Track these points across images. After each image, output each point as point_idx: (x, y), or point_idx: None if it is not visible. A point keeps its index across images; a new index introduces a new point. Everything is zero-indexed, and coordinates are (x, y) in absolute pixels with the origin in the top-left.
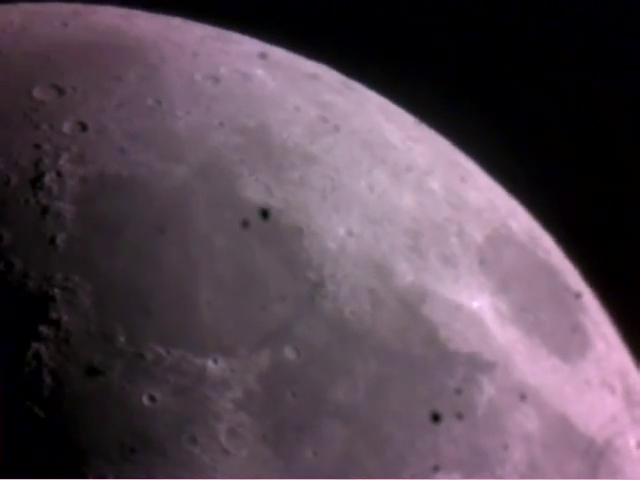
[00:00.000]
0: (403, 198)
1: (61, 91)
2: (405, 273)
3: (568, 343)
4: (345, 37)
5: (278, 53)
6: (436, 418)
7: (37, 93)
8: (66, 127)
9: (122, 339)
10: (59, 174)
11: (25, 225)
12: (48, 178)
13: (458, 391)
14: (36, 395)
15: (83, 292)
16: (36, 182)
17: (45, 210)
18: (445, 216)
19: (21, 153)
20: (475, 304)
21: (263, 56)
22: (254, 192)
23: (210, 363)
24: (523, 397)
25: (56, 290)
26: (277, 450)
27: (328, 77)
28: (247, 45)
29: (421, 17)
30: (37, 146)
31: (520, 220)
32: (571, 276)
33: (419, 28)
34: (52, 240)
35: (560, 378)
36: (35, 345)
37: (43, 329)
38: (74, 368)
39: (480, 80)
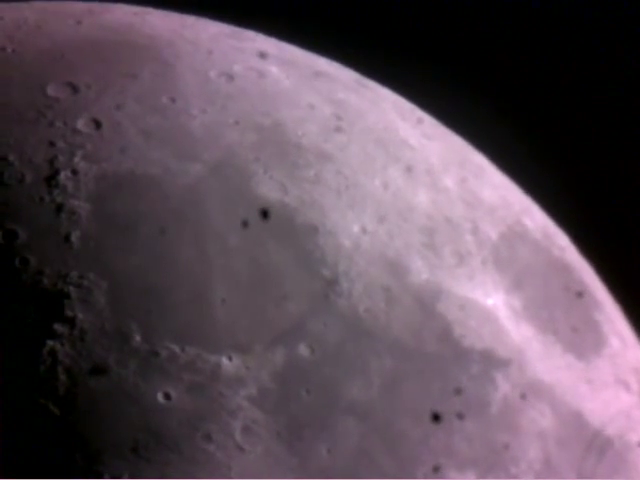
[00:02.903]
0: (417, 196)
1: (75, 88)
2: (419, 270)
3: (582, 340)
4: (359, 35)
5: (292, 51)
6: (450, 415)
7: (51, 90)
8: (80, 124)
9: (137, 337)
10: (74, 172)
11: (40, 223)
12: (63, 176)
13: (472, 388)
14: (51, 393)
15: (98, 290)
16: (51, 180)
17: (60, 208)
18: (459, 214)
19: (36, 151)
20: (489, 301)
21: (263, 55)
22: (269, 190)
23: (224, 360)
24: (537, 394)
25: (71, 288)
26: (291, 447)
27: (342, 75)
28: (261, 43)
29: (436, 14)
30: (52, 144)
31: (534, 217)
32: (586, 273)
33: (434, 25)
34: (67, 238)
35: (574, 375)
36: (50, 343)
37: (58, 327)
38: (89, 366)
39: (495, 77)
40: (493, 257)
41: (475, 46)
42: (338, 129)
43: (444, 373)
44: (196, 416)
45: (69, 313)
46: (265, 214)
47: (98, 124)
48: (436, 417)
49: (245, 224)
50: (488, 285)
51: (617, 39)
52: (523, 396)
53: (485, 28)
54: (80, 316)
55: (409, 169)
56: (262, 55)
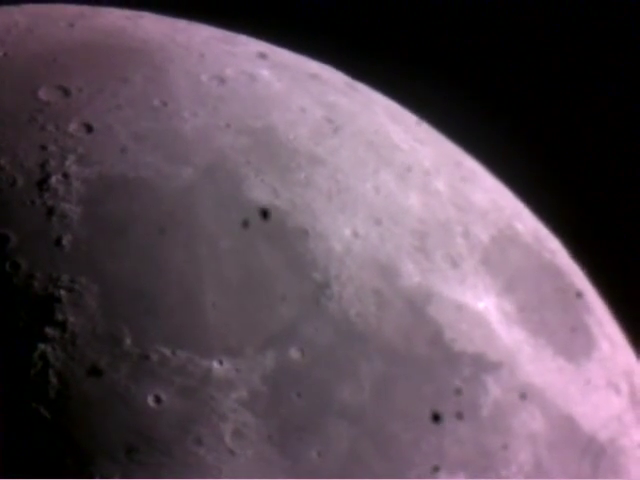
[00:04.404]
0: (409, 199)
1: (67, 92)
2: (411, 274)
3: (573, 343)
4: (351, 38)
5: (283, 54)
6: (441, 418)
7: (43, 94)
8: (72, 128)
9: (128, 340)
10: (65, 175)
11: (31, 226)
12: (54, 179)
13: (463, 391)
14: (42, 396)
15: (89, 293)
16: (42, 183)
17: (51, 211)
18: (451, 217)
19: (27, 154)
20: (481, 305)
21: (263, 56)
22: (260, 193)
23: (215, 364)
24: (528, 397)
25: (62, 291)
26: (282, 450)
27: (333, 78)
28: (253, 46)
29: (427, 17)
30: (43, 147)
31: (525, 221)
32: (576, 277)
33: (425, 28)
34: (58, 241)
35: (565, 378)
36: (41, 346)
37: (49, 330)
38: (80, 369)
39: (486, 81)
40: (484, 261)
41: (467, 49)
42: (329, 132)
43: (435, 377)
44: (187, 419)
45: (60, 317)
46: (265, 214)
47: (90, 128)
48: (430, 419)
49: (237, 227)
50: (479, 288)
51: (615, 40)
52: (514, 399)
53: (479, 31)
54: (71, 320)
55: (401, 172)
56: (254, 58)
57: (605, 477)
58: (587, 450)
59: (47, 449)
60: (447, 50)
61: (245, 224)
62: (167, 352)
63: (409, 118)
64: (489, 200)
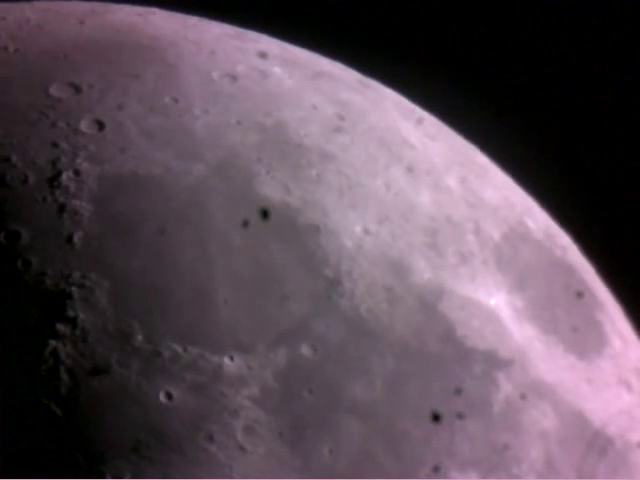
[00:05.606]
0: (420, 196)
1: (78, 89)
2: (422, 271)
3: (584, 340)
4: (362, 35)
5: (295, 51)
6: (452, 415)
7: (54, 91)
8: (83, 125)
9: (139, 337)
10: (76, 173)
11: (42, 223)
12: (65, 177)
13: (475, 388)
14: (53, 393)
15: (100, 290)
16: (53, 181)
17: (62, 208)
18: (462, 214)
19: (38, 151)
20: (492, 301)
21: (274, 53)
22: (271, 190)
23: (227, 360)
24: (539, 394)
25: (73, 288)
26: (293, 447)
27: (345, 75)
28: (264, 43)
29: (438, 14)
30: (54, 144)
31: (536, 218)
32: (587, 273)
33: (436, 25)
34: (69, 238)
35: (576, 375)
36: (52, 343)
37: (60, 327)
38: (91, 366)
39: (497, 77)
40: (495, 257)
41: (476, 46)
42: (340, 129)
43: (446, 373)
44: (198, 416)
45: (71, 313)
46: (266, 214)
47: (101, 125)
48: (437, 417)
49: (247, 224)
50: (490, 285)
51: (617, 38)
52: (525, 396)
53: (485, 28)
54: (82, 316)
55: (411, 169)
56: (265, 55)
57: (611, 471)
58: (594, 444)
59: (58, 446)
60: (459, 47)
61: (256, 221)
62: (178, 348)
63: (420, 114)
64: (500, 197)
